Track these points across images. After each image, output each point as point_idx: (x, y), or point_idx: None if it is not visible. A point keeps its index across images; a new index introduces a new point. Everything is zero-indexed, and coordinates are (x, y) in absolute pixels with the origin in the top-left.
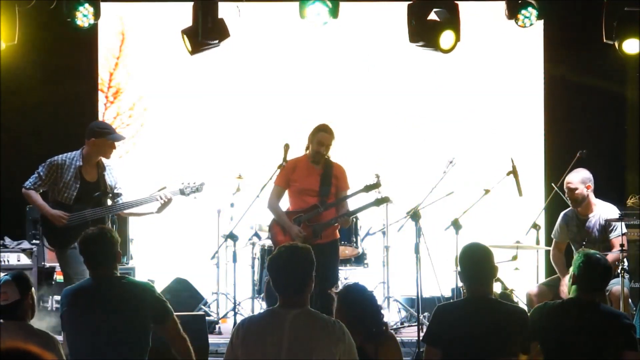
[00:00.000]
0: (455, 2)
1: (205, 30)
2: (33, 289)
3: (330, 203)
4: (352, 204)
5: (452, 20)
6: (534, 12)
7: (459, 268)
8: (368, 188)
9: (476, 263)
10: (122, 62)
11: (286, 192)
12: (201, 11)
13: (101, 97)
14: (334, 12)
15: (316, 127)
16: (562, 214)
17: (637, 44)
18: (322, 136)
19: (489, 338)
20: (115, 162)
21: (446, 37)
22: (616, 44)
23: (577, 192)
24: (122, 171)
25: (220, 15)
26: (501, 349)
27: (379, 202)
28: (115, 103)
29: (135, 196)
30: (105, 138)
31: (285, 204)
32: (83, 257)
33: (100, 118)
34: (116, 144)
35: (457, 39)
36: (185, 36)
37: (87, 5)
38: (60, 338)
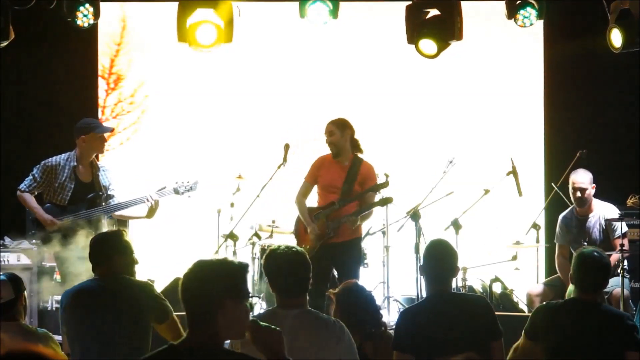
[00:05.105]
0: (456, 1)
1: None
2: (25, 292)
3: (345, 200)
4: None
5: (440, 25)
6: (534, 12)
7: (421, 262)
8: (378, 187)
9: (437, 260)
10: (123, 48)
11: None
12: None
13: (102, 83)
14: (334, 12)
15: None
16: (560, 216)
17: (620, 37)
18: (325, 127)
19: (458, 331)
20: (114, 154)
21: (426, 45)
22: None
23: (587, 193)
24: (117, 171)
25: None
26: (471, 340)
27: (383, 202)
28: (116, 90)
29: (128, 196)
30: (94, 132)
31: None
32: (89, 256)
33: (100, 105)
34: (107, 135)
35: (441, 46)
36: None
37: (87, 5)
38: (58, 338)
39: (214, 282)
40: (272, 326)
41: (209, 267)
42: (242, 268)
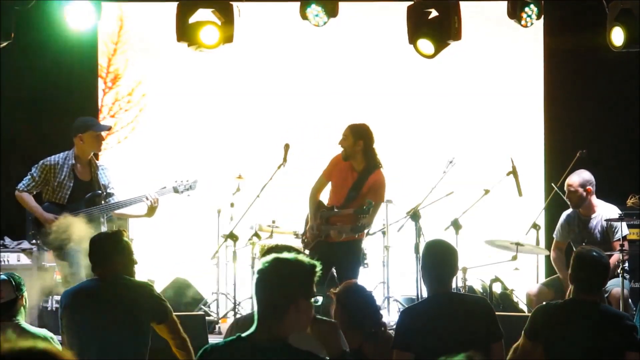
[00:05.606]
0: (454, 2)
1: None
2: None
3: (344, 208)
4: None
5: (438, 25)
6: (535, 10)
7: (420, 264)
8: (358, 212)
9: (437, 260)
10: (120, 47)
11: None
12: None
13: (100, 83)
14: (331, 11)
15: None
16: (564, 213)
17: (621, 36)
18: (345, 128)
19: (459, 332)
20: (112, 153)
21: (424, 45)
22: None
23: (576, 194)
24: (116, 170)
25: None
26: (471, 341)
27: (356, 229)
28: (113, 89)
29: (127, 195)
30: (91, 130)
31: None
32: (89, 256)
33: (98, 104)
34: (104, 133)
35: (439, 46)
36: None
37: (81, 6)
38: (58, 338)
39: (291, 280)
40: (327, 319)
41: (286, 265)
42: (314, 268)
